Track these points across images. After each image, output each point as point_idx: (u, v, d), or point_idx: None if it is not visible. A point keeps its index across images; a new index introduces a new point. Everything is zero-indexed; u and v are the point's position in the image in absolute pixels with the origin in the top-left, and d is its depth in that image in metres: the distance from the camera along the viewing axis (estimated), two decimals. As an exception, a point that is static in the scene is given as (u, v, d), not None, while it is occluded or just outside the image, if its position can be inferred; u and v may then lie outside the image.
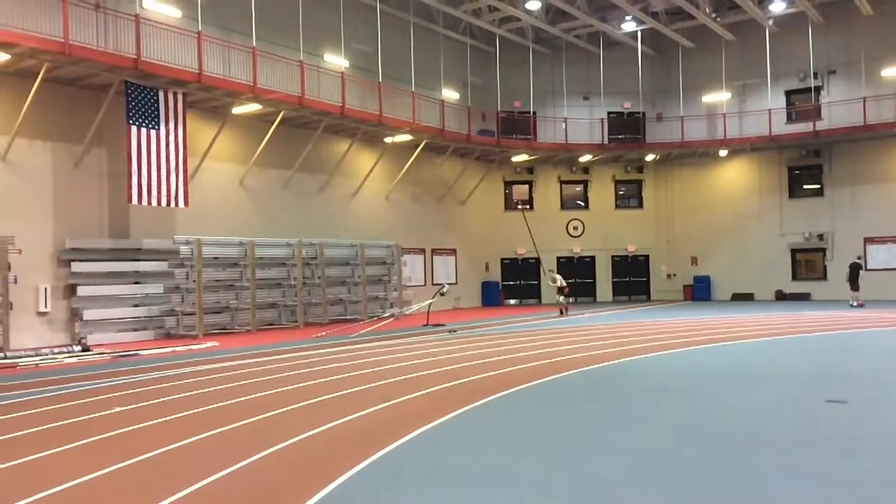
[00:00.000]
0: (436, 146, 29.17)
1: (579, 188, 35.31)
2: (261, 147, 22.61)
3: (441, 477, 6.00)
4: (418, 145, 27.94)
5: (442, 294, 23.53)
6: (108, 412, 8.96)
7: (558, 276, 26.60)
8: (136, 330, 19.46)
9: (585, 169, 34.75)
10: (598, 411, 8.73)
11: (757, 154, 32.90)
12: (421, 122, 27.09)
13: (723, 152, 32.92)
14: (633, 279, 35.12)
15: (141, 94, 18.55)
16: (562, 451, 6.83)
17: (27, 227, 17.52)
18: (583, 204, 35.26)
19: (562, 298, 26.20)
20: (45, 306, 18.04)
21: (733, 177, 33.71)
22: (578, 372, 11.62)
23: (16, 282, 16.82)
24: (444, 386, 10.37)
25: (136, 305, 19.62)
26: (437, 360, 13.51)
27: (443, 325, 21.62)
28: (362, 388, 10.40)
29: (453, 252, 32.11)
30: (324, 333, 20.09)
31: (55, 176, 18.51)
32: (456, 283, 31.16)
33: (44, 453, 6.88)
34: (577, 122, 33.30)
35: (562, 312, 25.67)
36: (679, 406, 8.88)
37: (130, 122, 18.37)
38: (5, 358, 14.82)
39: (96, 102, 18.69)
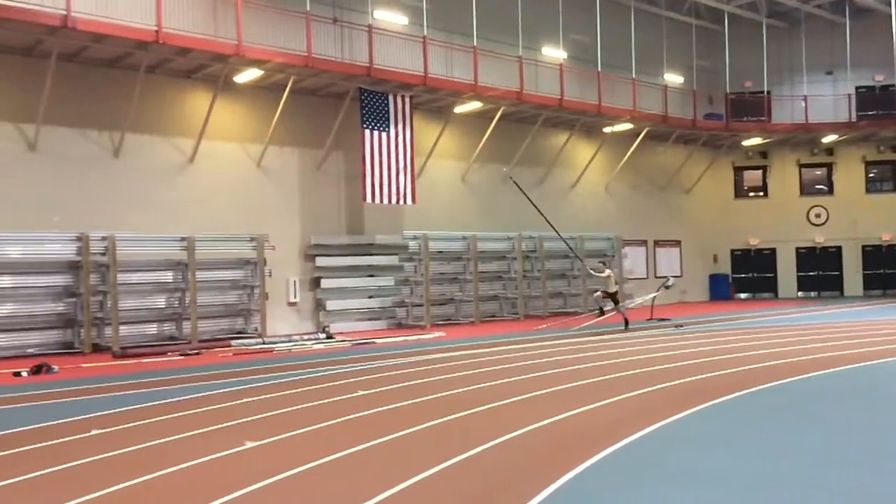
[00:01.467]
0: (658, 134, 28.09)
1: (822, 172, 32.16)
2: (481, 143, 23.20)
3: (669, 477, 5.77)
4: (639, 134, 27.08)
5: (667, 287, 22.62)
6: (351, 395, 9.71)
7: (609, 271, 19.16)
8: (370, 319, 20.91)
9: (829, 150, 31.56)
10: (845, 417, 7.89)
11: None
12: (642, 109, 26.22)
13: None
14: (888, 271, 31.33)
15: (373, 100, 19.85)
16: (798, 456, 6.27)
17: (279, 226, 19.49)
18: (826, 189, 32.07)
19: (609, 305, 19.05)
20: (295, 297, 19.97)
21: None
22: (820, 374, 10.59)
23: (270, 275, 18.78)
24: (671, 383, 9.96)
25: (370, 297, 21.08)
26: (662, 355, 13.02)
27: (668, 319, 20.80)
28: (586, 382, 10.31)
29: (677, 243, 30.74)
30: (545, 326, 20.20)
31: (301, 179, 20.41)
32: (681, 276, 29.82)
33: (296, 432, 7.60)
34: (819, 99, 30.30)
35: (626, 323, 18.57)
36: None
37: (364, 126, 19.74)
38: (264, 343, 16.64)
39: (334, 109, 20.29)
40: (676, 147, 29.48)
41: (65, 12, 14.79)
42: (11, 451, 7.04)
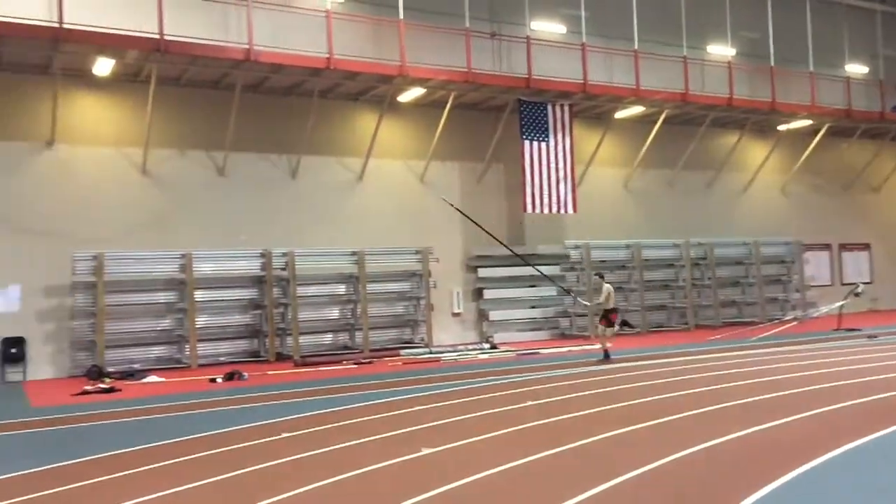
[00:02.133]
0: (840, 129, 25.96)
1: None
2: (644, 148, 22.55)
3: (871, 499, 5.27)
4: (819, 130, 25.17)
5: (856, 295, 20.82)
6: (520, 405, 9.72)
7: (608, 287, 15.28)
8: (533, 330, 20.86)
9: None
10: None
11: None
12: (821, 104, 24.38)
13: None
14: None
15: (532, 110, 19.88)
16: None
17: (442, 239, 19.96)
18: None
19: (608, 330, 15.32)
20: (459, 308, 20.34)
21: None
22: None
23: (435, 286, 19.26)
24: (869, 399, 9.12)
25: (532, 307, 21.03)
26: (856, 368, 11.96)
27: (858, 329, 19.10)
28: (771, 396, 9.67)
29: (866, 246, 28.21)
30: (717, 337, 19.20)
31: (462, 191, 20.79)
32: (871, 283, 27.30)
33: (470, 439, 7.71)
34: None
35: (606, 355, 14.85)
36: None
37: (524, 137, 19.81)
38: (431, 353, 17.06)
39: (494, 122, 20.52)
40: (862, 142, 27.10)
41: (248, 47, 16.06)
42: (215, 451, 7.68)
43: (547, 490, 5.79)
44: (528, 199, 19.91)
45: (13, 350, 15.34)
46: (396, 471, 6.59)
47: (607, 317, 15.34)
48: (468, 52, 18.63)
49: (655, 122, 22.26)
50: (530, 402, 9.87)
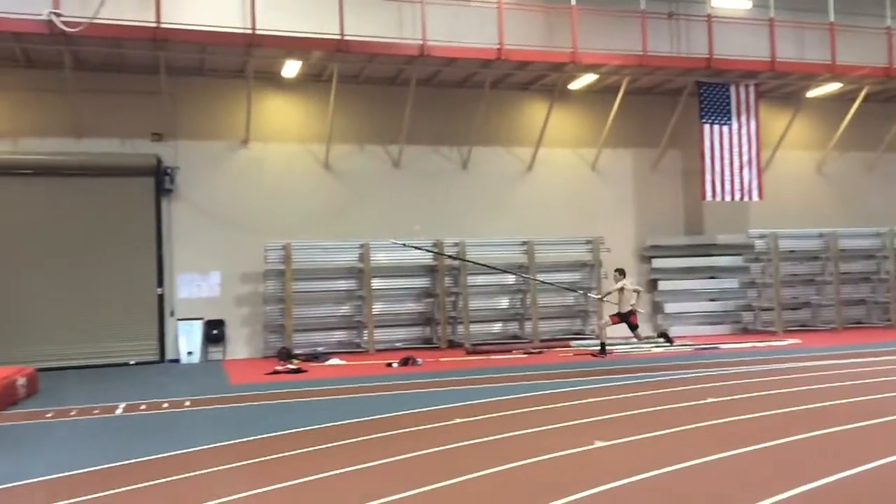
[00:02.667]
0: None
1: None
2: (840, 129, 20.66)
3: None
4: None
5: None
6: (700, 402, 9.27)
7: (624, 283, 14.88)
8: (712, 324, 19.81)
9: None
10: None
11: None
12: None
13: None
14: None
15: (713, 92, 18.84)
16: None
17: (613, 228, 19.46)
18: None
19: (636, 332, 15.15)
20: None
21: None
22: None
23: (606, 277, 18.80)
24: None
25: (711, 300, 19.99)
26: None
27: None
28: None
29: None
30: (928, 336, 17.26)
31: (635, 179, 20.15)
32: None
33: (645, 435, 7.45)
34: None
35: (602, 349, 14.78)
36: None
37: (703, 120, 18.81)
38: (602, 345, 16.66)
39: (670, 107, 19.66)
40: None
41: (422, 42, 16.49)
42: (393, 433, 7.99)
43: (726, 493, 5.48)
44: (708, 186, 18.90)
45: (214, 331, 16.85)
46: (568, 462, 6.52)
47: (627, 319, 14.66)
48: (644, 34, 17.96)
49: (853, 101, 20.30)
50: (710, 400, 9.39)
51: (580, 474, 6.08)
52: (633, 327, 14.73)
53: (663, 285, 19.73)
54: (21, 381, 11.51)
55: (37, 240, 16.06)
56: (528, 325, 18.25)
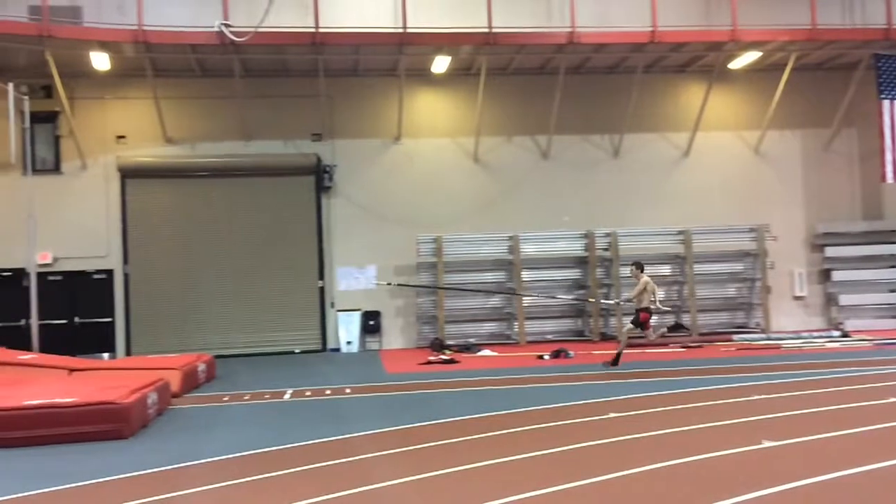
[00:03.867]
0: None
1: None
2: None
3: None
4: None
5: None
6: (882, 401, 8.48)
7: (646, 281, 13.00)
8: (894, 317, 18.10)
9: None
10: None
11: None
12: None
13: None
14: None
15: (892, 65, 17.14)
16: None
17: (779, 215, 18.23)
18: None
19: (647, 332, 13.34)
20: (801, 290, 18.43)
21: None
22: None
23: (773, 267, 17.67)
24: None
25: (893, 291, 18.25)
26: None
27: None
28: None
29: None
30: None
31: (804, 162, 18.76)
32: None
33: (819, 436, 6.91)
34: None
35: (616, 359, 12.70)
36: None
37: (882, 96, 17.15)
38: (769, 339, 15.73)
39: (843, 83, 18.11)
40: None
41: (570, 30, 16.19)
42: (547, 425, 7.93)
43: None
44: (889, 167, 17.21)
45: (371, 322, 17.49)
46: (734, 461, 6.17)
47: (637, 315, 13.01)
48: (812, 6, 16.63)
49: None
50: (893, 399, 8.56)
51: (745, 475, 5.72)
52: (643, 326, 13.18)
53: (837, 275, 18.25)
54: (202, 367, 12.51)
55: (212, 237, 17.36)
56: (686, 318, 17.48)
